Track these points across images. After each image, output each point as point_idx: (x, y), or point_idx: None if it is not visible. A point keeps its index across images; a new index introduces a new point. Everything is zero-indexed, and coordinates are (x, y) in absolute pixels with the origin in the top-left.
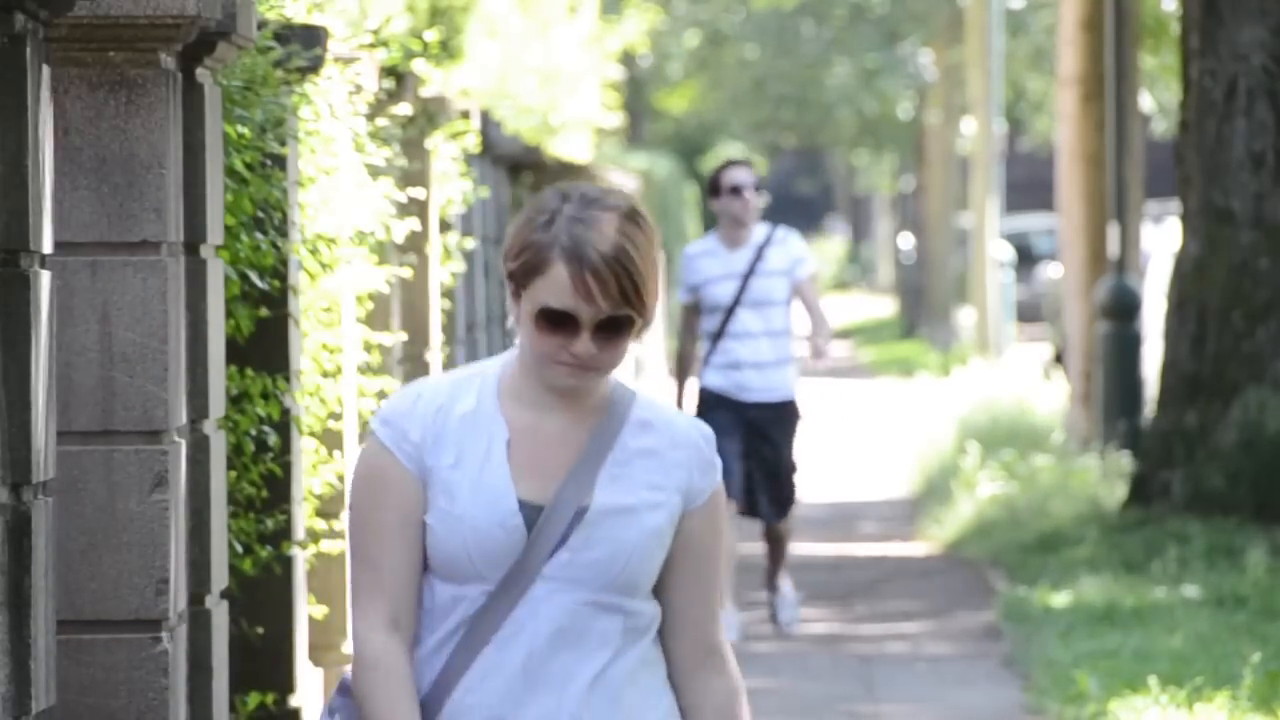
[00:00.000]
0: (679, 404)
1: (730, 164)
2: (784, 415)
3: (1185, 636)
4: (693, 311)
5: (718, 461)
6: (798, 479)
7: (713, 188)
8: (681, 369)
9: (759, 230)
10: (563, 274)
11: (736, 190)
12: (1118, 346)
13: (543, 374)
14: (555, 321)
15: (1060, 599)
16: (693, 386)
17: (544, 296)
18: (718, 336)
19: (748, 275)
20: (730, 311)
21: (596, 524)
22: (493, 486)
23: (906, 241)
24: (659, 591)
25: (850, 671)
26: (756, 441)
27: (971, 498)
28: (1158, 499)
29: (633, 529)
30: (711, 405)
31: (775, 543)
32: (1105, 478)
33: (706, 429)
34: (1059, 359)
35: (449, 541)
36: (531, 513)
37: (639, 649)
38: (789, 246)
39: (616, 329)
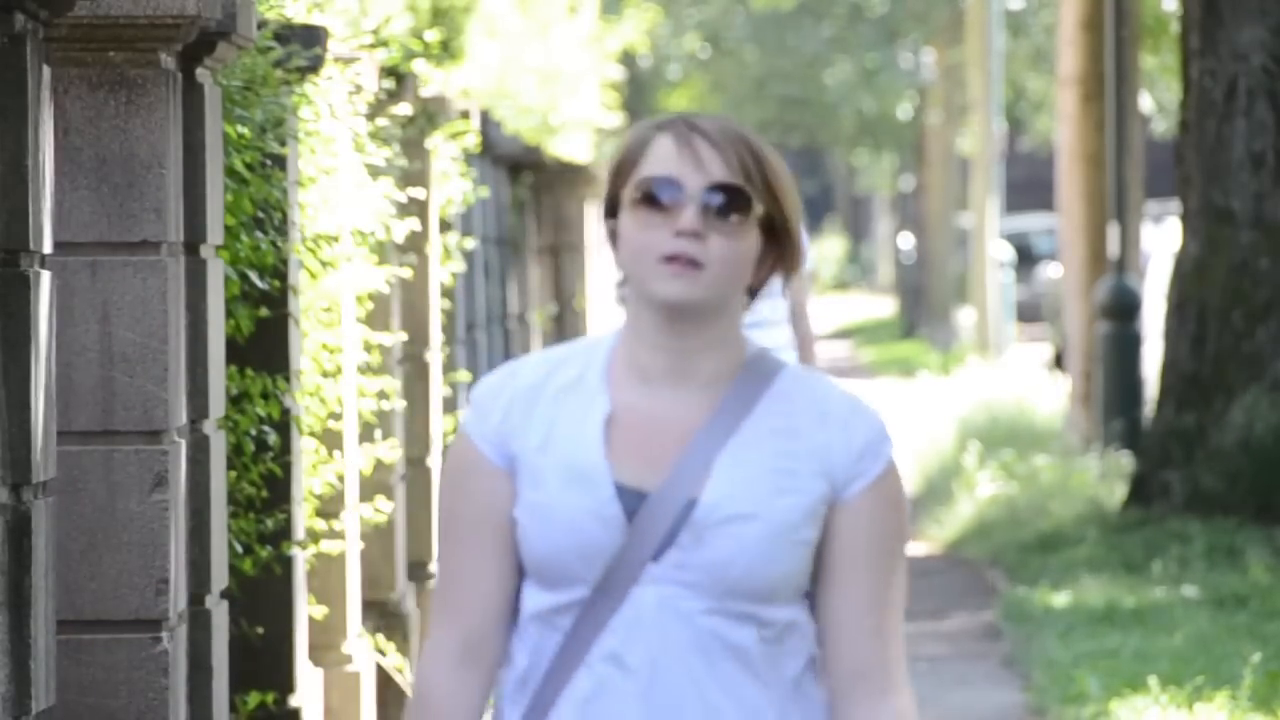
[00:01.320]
0: None
1: None
2: None
3: (1185, 636)
4: None
5: (886, 443)
6: None
7: None
8: None
9: None
10: (667, 142)
11: None
12: (1118, 346)
13: (646, 289)
14: (656, 199)
15: (1060, 599)
16: None
17: (644, 170)
18: None
19: None
20: None
21: (711, 518)
22: (585, 469)
23: (906, 241)
24: (813, 598)
25: None
26: None
27: (971, 498)
28: (1158, 499)
29: (755, 525)
30: None
31: None
32: (1105, 478)
33: (873, 407)
34: (1059, 359)
35: (539, 538)
36: (633, 501)
37: (788, 670)
38: None
39: (734, 209)
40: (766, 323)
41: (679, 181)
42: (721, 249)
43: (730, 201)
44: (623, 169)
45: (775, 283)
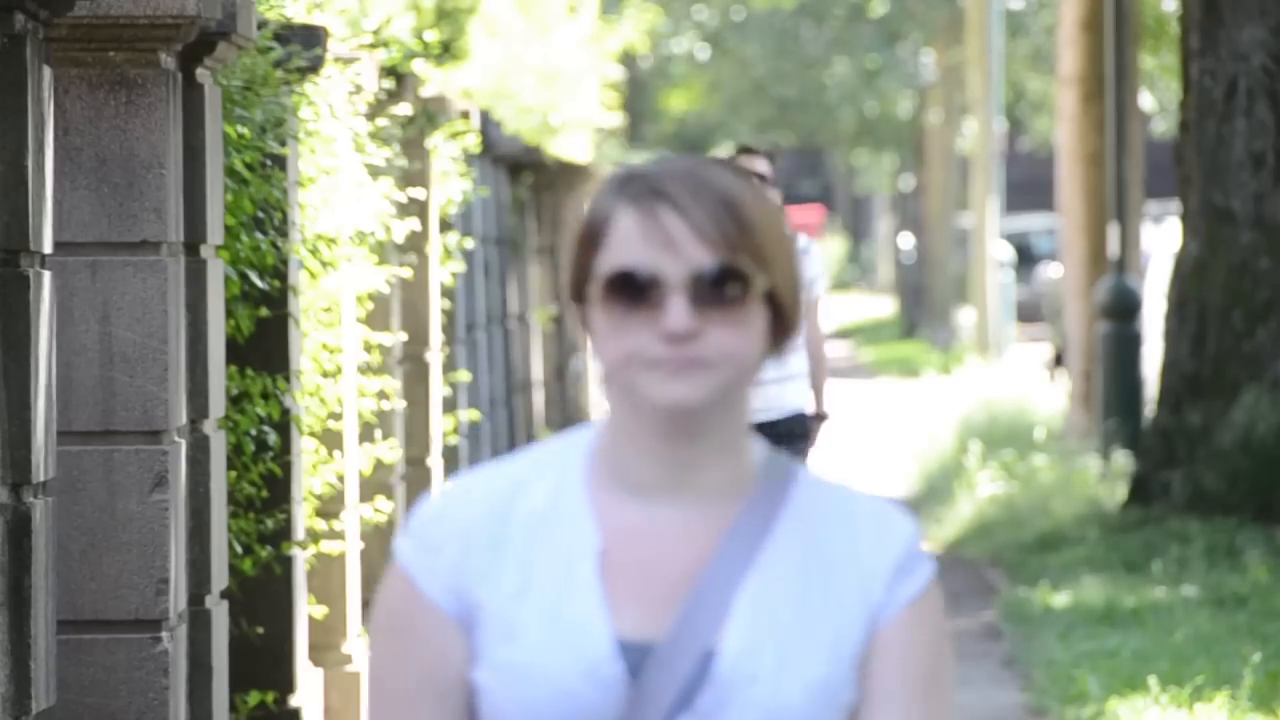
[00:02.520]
0: None
1: (741, 151)
2: (788, 434)
3: (1185, 636)
4: None
5: (924, 557)
6: None
7: None
8: None
9: None
10: (630, 218)
11: None
12: (1118, 346)
13: (638, 394)
14: (631, 294)
15: (1060, 599)
16: None
17: (610, 258)
18: None
19: None
20: None
21: (735, 675)
22: (577, 620)
23: (906, 241)
24: None
25: None
26: None
27: (971, 498)
28: (1158, 499)
29: (790, 683)
30: None
31: None
32: (1105, 478)
33: (904, 514)
34: (1059, 359)
35: (514, 707)
36: (636, 655)
37: None
38: (809, 259)
39: (727, 291)
40: (792, 377)
41: (654, 272)
42: (725, 342)
43: (724, 285)
44: (584, 248)
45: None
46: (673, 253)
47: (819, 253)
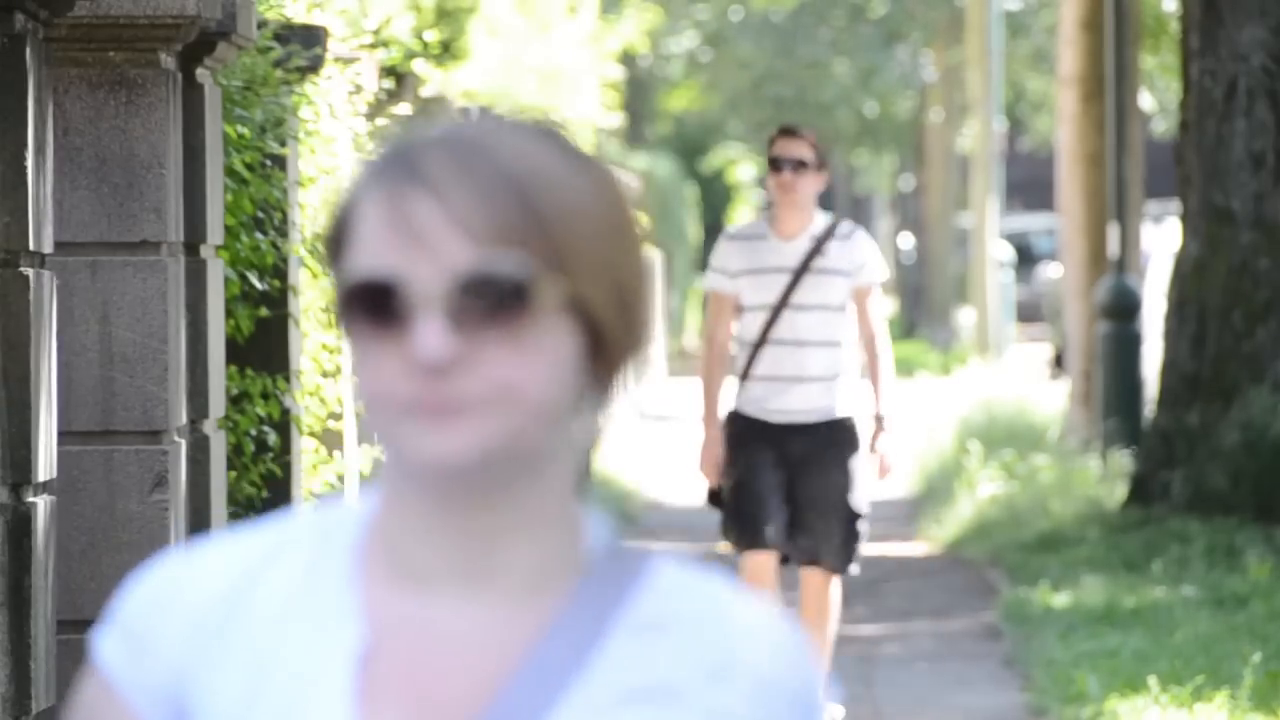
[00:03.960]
0: (709, 436)
1: (782, 133)
2: (834, 439)
3: (1185, 636)
4: (729, 306)
5: (818, 713)
6: (862, 526)
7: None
8: (710, 382)
9: (818, 220)
10: (377, 212)
11: (775, 164)
12: (1118, 346)
13: (392, 446)
14: (373, 311)
15: (1060, 599)
16: (722, 406)
17: (350, 269)
18: (758, 344)
19: (801, 271)
20: (775, 313)
21: None
22: None
23: (906, 241)
24: None
25: (850, 671)
26: (802, 472)
27: (971, 498)
28: (1158, 499)
29: None
30: (745, 432)
31: (816, 611)
32: (1105, 478)
33: (802, 647)
34: (1059, 359)
35: None
36: None
37: None
38: (854, 244)
39: (503, 303)
40: (832, 342)
41: (398, 280)
42: (501, 372)
43: (496, 296)
44: (331, 252)
45: (841, 296)
46: (424, 252)
47: (865, 239)
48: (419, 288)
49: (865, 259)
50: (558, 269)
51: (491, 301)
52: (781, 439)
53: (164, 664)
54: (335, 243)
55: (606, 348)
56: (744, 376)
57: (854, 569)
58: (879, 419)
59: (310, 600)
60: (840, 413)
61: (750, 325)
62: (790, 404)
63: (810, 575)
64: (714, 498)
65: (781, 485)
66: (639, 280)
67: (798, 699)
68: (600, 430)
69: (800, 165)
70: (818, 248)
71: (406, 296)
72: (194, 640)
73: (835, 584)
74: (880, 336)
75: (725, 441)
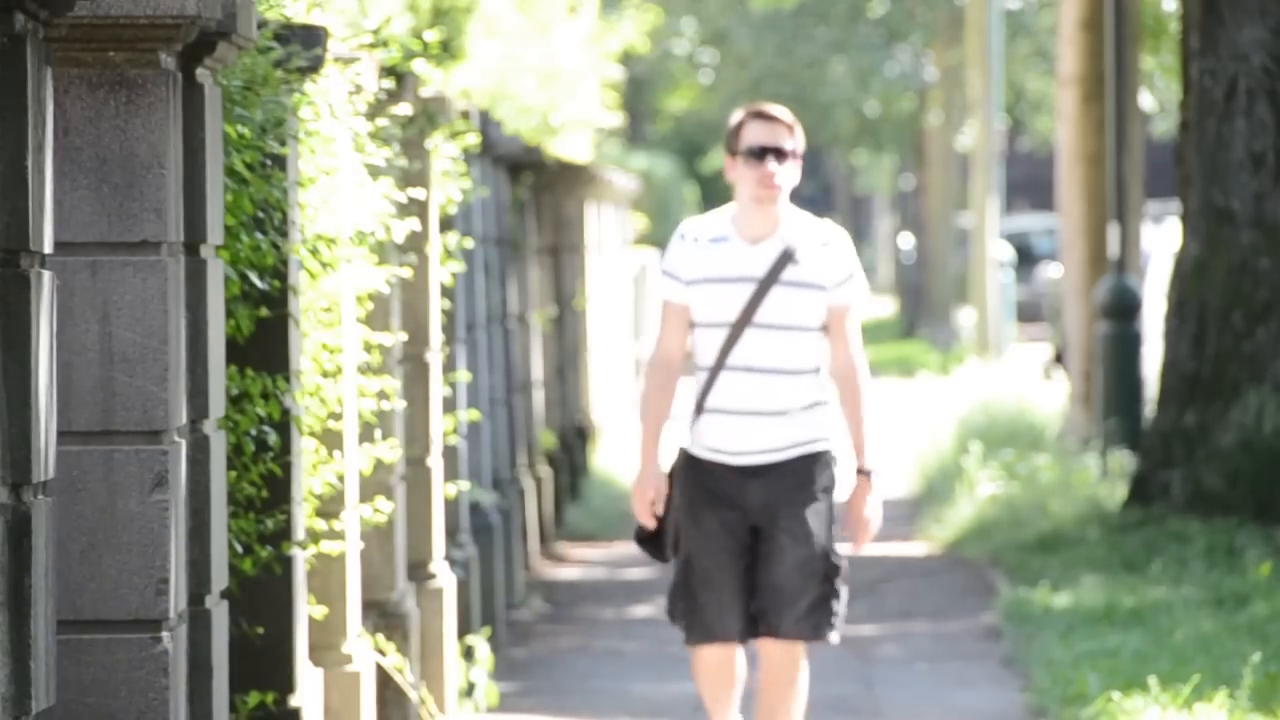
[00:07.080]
0: (645, 472)
1: (753, 114)
2: (802, 479)
3: (1185, 636)
4: (681, 318)
5: None
6: (840, 586)
7: (727, 145)
8: (652, 409)
9: (792, 221)
10: None
11: (754, 154)
12: (1118, 346)
13: None
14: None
15: (1060, 599)
16: (669, 439)
17: None
18: (714, 369)
19: (768, 282)
20: (736, 332)
21: None
22: None
23: (906, 241)
24: None
25: (850, 671)
26: (766, 527)
27: (971, 498)
28: (1158, 499)
29: None
30: (695, 483)
31: (779, 693)
32: (1105, 478)
33: None
34: (1059, 359)
35: None
36: None
37: None
38: (833, 252)
39: None
40: (804, 370)
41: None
42: None
43: None
44: None
45: (815, 315)
46: None
47: (847, 246)
48: None
49: (846, 272)
50: None
51: None
52: (739, 488)
53: None
54: None
55: None
56: (696, 409)
57: (834, 637)
58: (860, 474)
59: None
60: (813, 447)
61: (705, 346)
62: (750, 443)
63: (770, 648)
64: (647, 541)
65: (741, 554)
66: None
67: None
68: None
69: (782, 154)
70: (790, 255)
71: None
72: None
73: (802, 657)
74: (860, 369)
75: (672, 485)
